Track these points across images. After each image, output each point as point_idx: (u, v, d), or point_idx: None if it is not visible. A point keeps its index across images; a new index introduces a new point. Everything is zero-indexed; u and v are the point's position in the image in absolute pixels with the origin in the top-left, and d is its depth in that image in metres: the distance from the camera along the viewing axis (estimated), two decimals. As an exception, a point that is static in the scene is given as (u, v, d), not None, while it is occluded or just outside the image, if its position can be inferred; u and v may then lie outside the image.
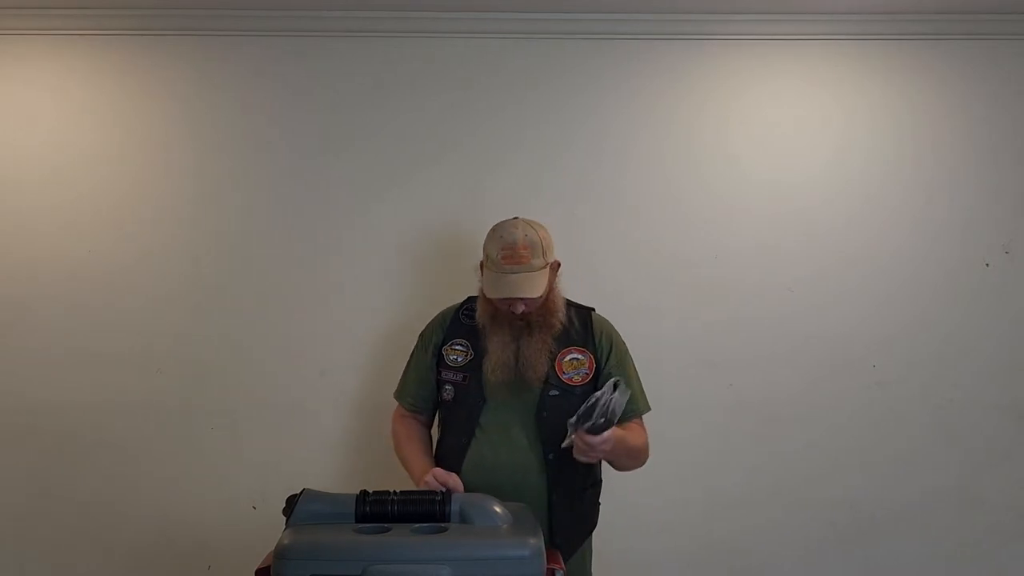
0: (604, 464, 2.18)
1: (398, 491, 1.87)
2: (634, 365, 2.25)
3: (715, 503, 2.73)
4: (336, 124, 2.72)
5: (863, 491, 2.74)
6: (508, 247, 2.09)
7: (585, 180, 2.72)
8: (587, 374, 2.16)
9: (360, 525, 1.79)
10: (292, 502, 1.84)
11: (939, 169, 2.75)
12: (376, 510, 1.83)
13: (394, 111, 2.72)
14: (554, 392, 2.12)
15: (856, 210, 2.74)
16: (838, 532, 2.75)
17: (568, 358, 2.16)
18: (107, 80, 2.72)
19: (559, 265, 2.21)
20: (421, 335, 2.30)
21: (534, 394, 2.12)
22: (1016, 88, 2.74)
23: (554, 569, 1.78)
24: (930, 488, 2.74)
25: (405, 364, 2.31)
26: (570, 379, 2.14)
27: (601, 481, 2.25)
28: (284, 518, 1.83)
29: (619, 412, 1.92)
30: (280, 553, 1.69)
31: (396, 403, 2.31)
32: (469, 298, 2.29)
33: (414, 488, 1.99)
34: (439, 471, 2.04)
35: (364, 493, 1.85)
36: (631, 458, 2.15)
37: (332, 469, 2.71)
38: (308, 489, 1.87)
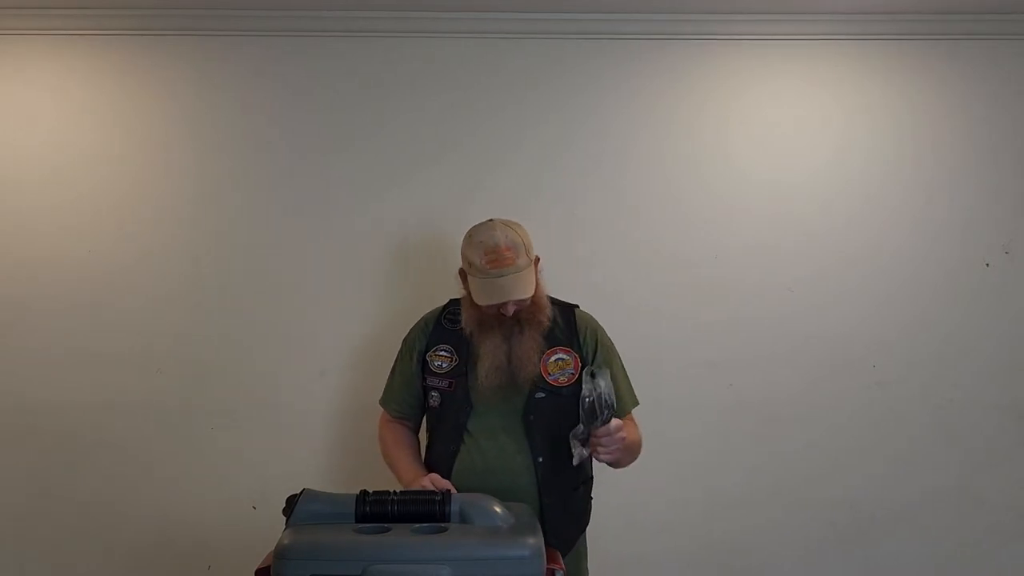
0: (595, 461, 2.18)
1: (398, 491, 1.87)
2: (621, 361, 2.24)
3: (715, 503, 2.73)
4: (336, 124, 2.72)
5: (863, 491, 2.74)
6: (491, 251, 2.07)
7: (585, 180, 2.72)
8: (573, 374, 2.14)
9: (360, 525, 1.79)
10: (292, 502, 1.84)
11: (939, 169, 2.75)
12: (376, 510, 1.82)
13: (394, 111, 2.72)
14: (540, 394, 2.11)
15: (856, 210, 2.74)
16: (838, 532, 2.75)
17: (553, 359, 2.15)
18: (107, 80, 2.72)
19: (539, 260, 2.19)
20: (405, 340, 2.29)
21: (521, 397, 2.11)
22: (1016, 88, 2.75)
23: (554, 569, 1.78)
24: (930, 488, 2.74)
25: (390, 369, 2.30)
26: (556, 380, 2.13)
27: (592, 477, 2.25)
28: (284, 518, 1.83)
29: (612, 394, 1.95)
30: (280, 553, 1.69)
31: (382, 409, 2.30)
32: (451, 300, 2.27)
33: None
34: (435, 477, 2.04)
35: (364, 493, 1.85)
36: (631, 453, 2.15)
37: (332, 469, 2.71)
38: (308, 489, 1.87)
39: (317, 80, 2.72)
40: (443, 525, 1.79)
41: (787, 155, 2.74)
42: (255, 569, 1.78)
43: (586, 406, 1.95)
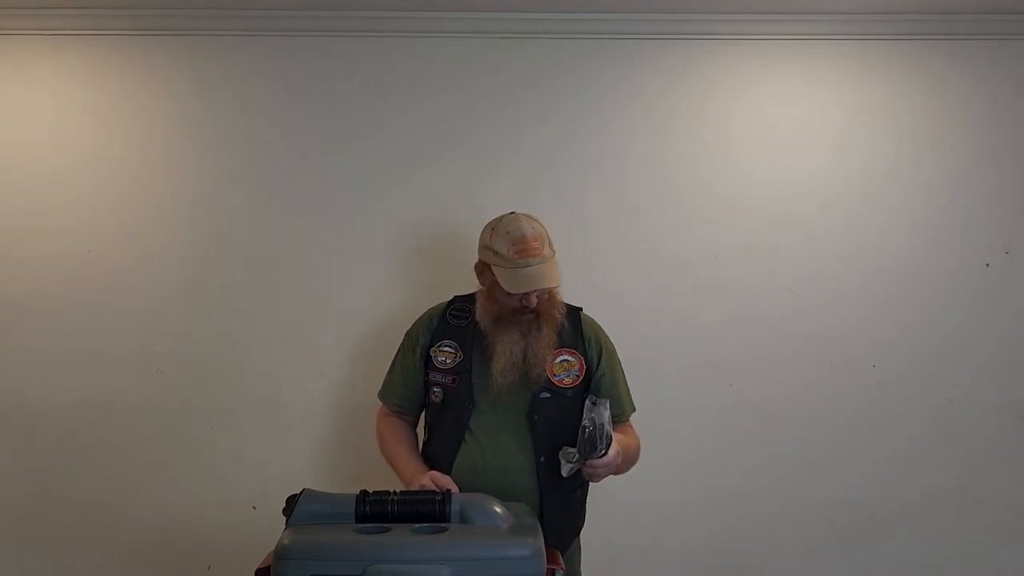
0: None
1: (398, 491, 1.87)
2: (621, 367, 2.25)
3: (715, 503, 2.73)
4: (336, 124, 2.72)
5: (863, 491, 2.74)
6: (519, 241, 2.07)
7: (585, 180, 2.72)
8: (577, 376, 2.15)
9: (360, 525, 1.79)
10: (292, 502, 1.84)
11: (939, 169, 2.75)
12: (376, 510, 1.82)
13: (394, 111, 2.72)
14: (545, 394, 2.12)
15: (856, 210, 2.74)
16: (838, 532, 2.75)
17: (559, 360, 2.15)
18: (107, 80, 2.72)
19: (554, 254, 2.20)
20: (407, 334, 2.28)
21: (525, 397, 2.11)
22: (1016, 88, 2.74)
23: (554, 569, 1.78)
24: (930, 488, 2.74)
25: (390, 363, 2.30)
26: (560, 381, 2.14)
27: (588, 482, 2.25)
28: (284, 518, 1.83)
29: (610, 424, 1.96)
30: (280, 553, 1.69)
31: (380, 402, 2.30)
32: (456, 297, 2.28)
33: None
34: (436, 474, 2.04)
35: (364, 493, 1.85)
36: (630, 462, 2.17)
37: (332, 469, 2.71)
38: (308, 489, 1.87)
39: (317, 80, 2.72)
40: (443, 525, 1.79)
41: (787, 155, 2.74)
42: (255, 569, 1.78)
43: (586, 435, 1.95)
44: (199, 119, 2.72)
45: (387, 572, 1.66)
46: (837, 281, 2.73)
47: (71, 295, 2.70)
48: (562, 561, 1.90)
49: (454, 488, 1.99)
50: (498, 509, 1.83)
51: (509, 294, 2.09)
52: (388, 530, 1.77)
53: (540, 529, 1.80)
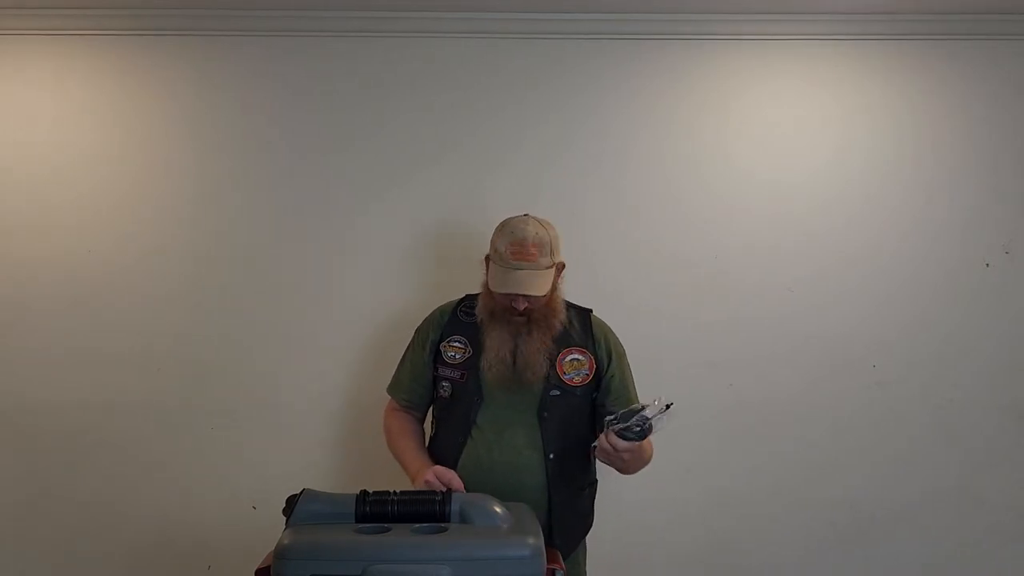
0: (601, 464, 2.18)
1: (398, 491, 1.87)
2: (630, 368, 2.25)
3: (715, 503, 2.73)
4: (336, 124, 2.72)
5: (863, 491, 2.74)
6: (517, 243, 2.09)
7: (585, 180, 2.72)
8: (587, 375, 2.16)
9: (360, 525, 1.79)
10: (292, 502, 1.84)
11: (939, 169, 2.75)
12: (376, 510, 1.82)
13: (394, 111, 2.72)
14: (555, 392, 2.12)
15: (856, 210, 2.74)
16: (838, 532, 2.75)
17: (569, 359, 2.16)
18: (107, 80, 2.72)
19: (563, 267, 2.21)
20: (418, 331, 2.29)
21: (534, 394, 2.12)
22: (1016, 88, 2.74)
23: (554, 569, 1.78)
24: (930, 488, 2.74)
25: (400, 358, 2.31)
26: (571, 380, 2.14)
27: (597, 481, 2.25)
28: (284, 518, 1.83)
29: (654, 431, 1.93)
30: (280, 553, 1.69)
31: (389, 397, 2.31)
32: (467, 295, 2.29)
33: (413, 488, 1.99)
34: (440, 469, 2.04)
35: (364, 493, 1.85)
36: (642, 463, 2.14)
37: (332, 469, 2.71)
38: (308, 489, 1.87)
39: (317, 80, 2.72)
40: (443, 525, 1.79)
41: (787, 155, 2.74)
42: (255, 569, 1.78)
43: (634, 406, 1.94)
44: (199, 119, 2.72)
45: (387, 572, 1.66)
46: (837, 281, 2.73)
47: (71, 295, 2.70)
48: (562, 561, 1.90)
49: (458, 482, 2.00)
50: (498, 509, 1.83)
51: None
52: (388, 530, 1.77)
53: (540, 529, 1.79)
